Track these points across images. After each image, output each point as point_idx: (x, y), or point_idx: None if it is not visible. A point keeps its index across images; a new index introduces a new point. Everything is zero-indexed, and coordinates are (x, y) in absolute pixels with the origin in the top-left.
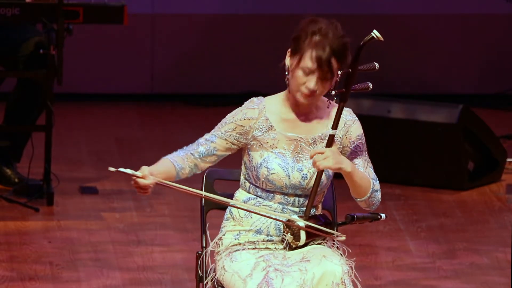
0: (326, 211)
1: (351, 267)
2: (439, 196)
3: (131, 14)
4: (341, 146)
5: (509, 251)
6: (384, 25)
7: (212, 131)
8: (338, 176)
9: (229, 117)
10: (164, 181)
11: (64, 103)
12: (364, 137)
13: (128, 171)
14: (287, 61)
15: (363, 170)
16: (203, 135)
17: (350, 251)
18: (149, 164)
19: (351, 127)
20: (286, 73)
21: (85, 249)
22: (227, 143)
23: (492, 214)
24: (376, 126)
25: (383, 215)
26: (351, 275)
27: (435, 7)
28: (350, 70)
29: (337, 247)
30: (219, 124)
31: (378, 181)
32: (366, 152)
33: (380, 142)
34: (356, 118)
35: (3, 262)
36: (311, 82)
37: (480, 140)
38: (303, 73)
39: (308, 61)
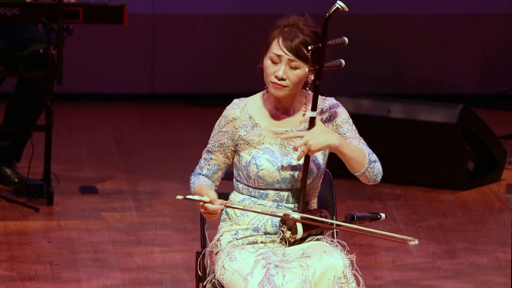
0: (326, 211)
1: (352, 261)
2: (439, 196)
3: (131, 14)
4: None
5: (509, 251)
6: (383, 25)
7: (206, 147)
8: (337, 176)
9: (215, 126)
10: (232, 204)
11: (64, 103)
12: (350, 118)
13: (196, 197)
14: (263, 60)
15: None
16: (202, 135)
17: (349, 249)
18: (149, 163)
19: (336, 112)
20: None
21: (85, 249)
22: (221, 153)
23: (492, 214)
24: (376, 126)
25: (383, 215)
26: (352, 269)
27: (435, 7)
28: (320, 45)
29: (336, 244)
30: (210, 138)
31: (374, 154)
32: (357, 132)
33: (380, 142)
34: (339, 103)
35: (3, 262)
36: (279, 70)
37: (480, 140)
38: (271, 63)
39: (275, 48)
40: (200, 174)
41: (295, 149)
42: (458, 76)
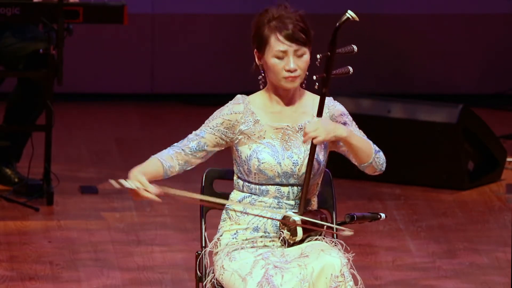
0: (325, 211)
1: (349, 259)
2: (439, 196)
3: (131, 14)
4: None
5: (509, 251)
6: (384, 25)
7: (201, 127)
8: (337, 176)
9: (216, 112)
10: (169, 190)
11: (64, 103)
12: (349, 114)
13: (128, 184)
14: (257, 61)
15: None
16: None
17: (349, 248)
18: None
19: (334, 109)
20: (262, 71)
21: (85, 249)
22: (215, 138)
23: (492, 214)
24: (376, 126)
25: (382, 215)
26: (350, 268)
27: (436, 7)
28: (329, 53)
29: (335, 243)
30: (207, 120)
31: (375, 144)
32: (356, 126)
33: (380, 142)
34: (337, 102)
35: (3, 262)
36: (290, 63)
37: (480, 140)
38: (277, 59)
39: (277, 45)
40: (181, 148)
41: (305, 135)
42: (458, 76)
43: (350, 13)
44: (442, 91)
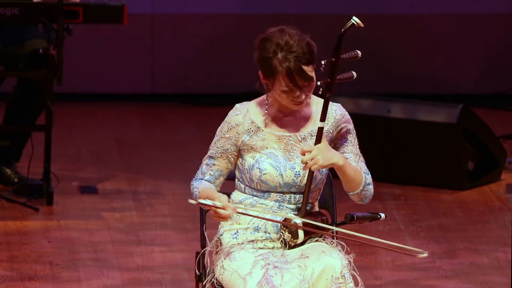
0: (325, 211)
1: (349, 261)
2: (439, 196)
3: (131, 14)
4: (332, 142)
5: (509, 251)
6: (384, 25)
7: (208, 152)
8: (337, 176)
9: (217, 132)
10: (243, 209)
11: (64, 103)
12: (354, 131)
13: (209, 202)
14: (262, 81)
15: (354, 165)
16: (202, 135)
17: (349, 249)
18: (149, 163)
19: (341, 121)
20: (267, 89)
21: (85, 249)
22: (224, 159)
23: (492, 214)
24: (376, 126)
25: (382, 215)
26: (350, 269)
27: (435, 7)
28: (333, 59)
29: (336, 244)
30: (212, 143)
31: (370, 174)
32: (357, 147)
33: (380, 142)
34: (346, 112)
35: (3, 262)
36: (299, 97)
37: (480, 140)
38: (285, 94)
39: (284, 84)
40: (202, 179)
41: (303, 153)
42: (458, 76)
43: (355, 19)
44: (442, 91)
